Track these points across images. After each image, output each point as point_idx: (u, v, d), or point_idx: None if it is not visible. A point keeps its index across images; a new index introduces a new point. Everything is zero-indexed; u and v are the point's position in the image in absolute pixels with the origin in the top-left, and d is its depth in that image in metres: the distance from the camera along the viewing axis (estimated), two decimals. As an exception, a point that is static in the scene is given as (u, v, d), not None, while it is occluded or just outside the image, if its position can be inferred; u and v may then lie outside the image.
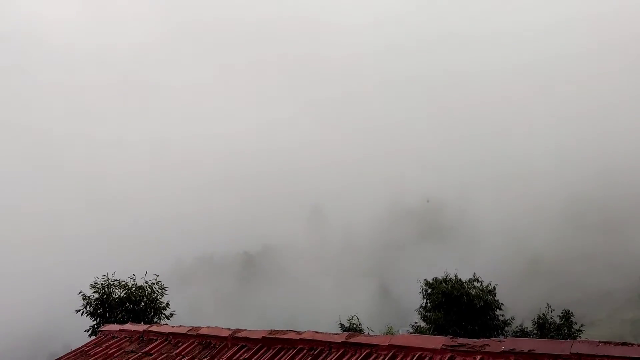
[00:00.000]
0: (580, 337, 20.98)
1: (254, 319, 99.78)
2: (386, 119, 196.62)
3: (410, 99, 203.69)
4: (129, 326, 9.25)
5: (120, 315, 18.02)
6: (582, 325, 21.48)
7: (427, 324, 21.07)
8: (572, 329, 20.76)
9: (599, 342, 4.73)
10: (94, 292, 18.81)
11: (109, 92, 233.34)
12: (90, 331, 18.40)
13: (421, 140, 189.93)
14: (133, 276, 19.76)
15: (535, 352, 4.89)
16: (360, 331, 23.12)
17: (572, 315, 21.08)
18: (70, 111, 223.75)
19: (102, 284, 19.06)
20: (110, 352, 8.44)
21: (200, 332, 7.88)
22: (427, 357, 5.50)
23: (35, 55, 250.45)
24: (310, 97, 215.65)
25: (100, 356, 8.46)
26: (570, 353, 4.69)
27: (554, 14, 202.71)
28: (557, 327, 20.67)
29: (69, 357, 8.77)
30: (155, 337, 8.35)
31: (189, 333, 7.97)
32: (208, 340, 7.64)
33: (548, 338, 19.86)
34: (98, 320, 18.44)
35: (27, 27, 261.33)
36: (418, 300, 21.83)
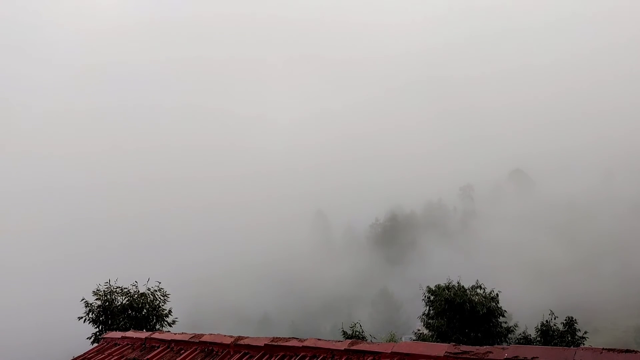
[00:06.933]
0: (584, 344, 20.85)
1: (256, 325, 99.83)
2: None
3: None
4: (131, 333, 9.22)
5: (122, 323, 17.92)
6: (585, 332, 21.33)
7: (429, 331, 20.94)
8: (576, 336, 20.59)
9: (603, 349, 4.70)
10: (96, 299, 18.74)
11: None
12: (92, 338, 18.32)
13: (419, 143, 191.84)
14: (135, 283, 19.69)
15: (539, 359, 4.87)
16: (363, 338, 23.03)
17: (576, 322, 20.88)
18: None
19: (104, 291, 18.98)
20: (113, 359, 8.42)
21: (202, 339, 7.86)
22: (430, 365, 5.48)
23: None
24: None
25: (102, 363, 8.44)
26: (574, 360, 4.67)
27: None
28: (561, 334, 20.50)
29: (71, 365, 8.75)
30: (157, 345, 8.33)
31: (191, 340, 7.95)
32: (210, 348, 7.62)
33: (551, 345, 19.75)
34: (100, 327, 18.36)
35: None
36: (421, 308, 21.72)
